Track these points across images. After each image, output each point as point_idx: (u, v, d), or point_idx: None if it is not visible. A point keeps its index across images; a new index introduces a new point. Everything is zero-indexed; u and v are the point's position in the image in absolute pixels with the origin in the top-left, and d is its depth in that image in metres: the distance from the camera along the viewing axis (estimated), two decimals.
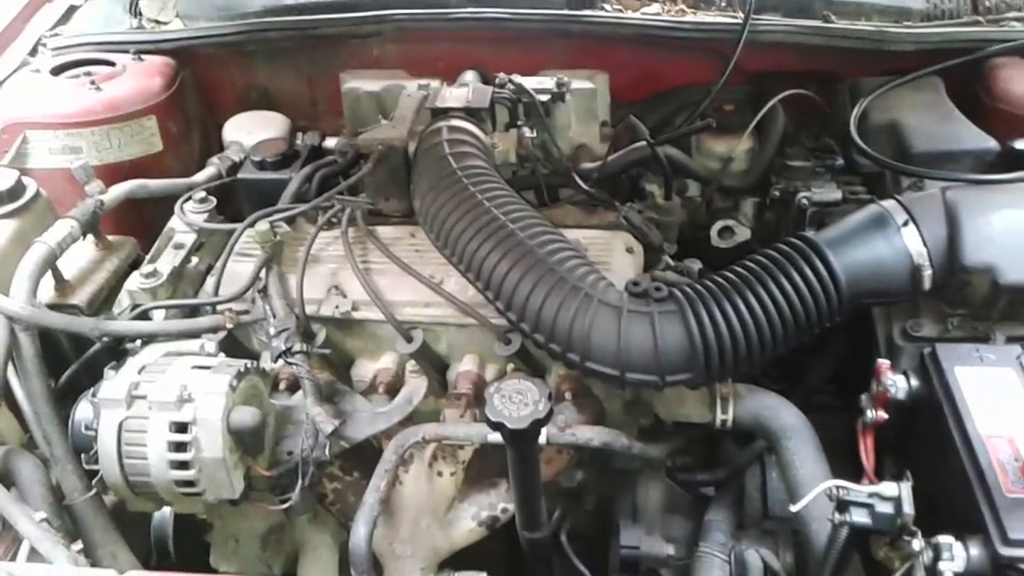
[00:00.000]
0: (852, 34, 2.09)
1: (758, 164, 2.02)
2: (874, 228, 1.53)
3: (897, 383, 1.48)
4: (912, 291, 1.53)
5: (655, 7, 2.21)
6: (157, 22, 2.35)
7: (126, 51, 2.21)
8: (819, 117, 2.10)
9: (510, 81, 1.96)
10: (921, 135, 1.86)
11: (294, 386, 1.64)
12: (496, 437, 1.39)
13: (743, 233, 2.04)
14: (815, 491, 1.34)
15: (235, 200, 2.05)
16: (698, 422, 1.63)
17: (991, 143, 1.83)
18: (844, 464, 1.53)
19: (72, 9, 2.44)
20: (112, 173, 1.95)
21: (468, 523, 1.66)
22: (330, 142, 2.11)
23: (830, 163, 1.98)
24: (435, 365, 1.69)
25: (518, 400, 1.33)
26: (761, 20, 2.09)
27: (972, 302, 1.57)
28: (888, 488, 1.29)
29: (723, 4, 2.21)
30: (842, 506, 1.31)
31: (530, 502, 1.52)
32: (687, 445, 1.74)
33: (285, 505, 1.50)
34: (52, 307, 1.66)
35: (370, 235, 1.79)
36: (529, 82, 1.96)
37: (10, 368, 1.58)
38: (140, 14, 2.38)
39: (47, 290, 1.71)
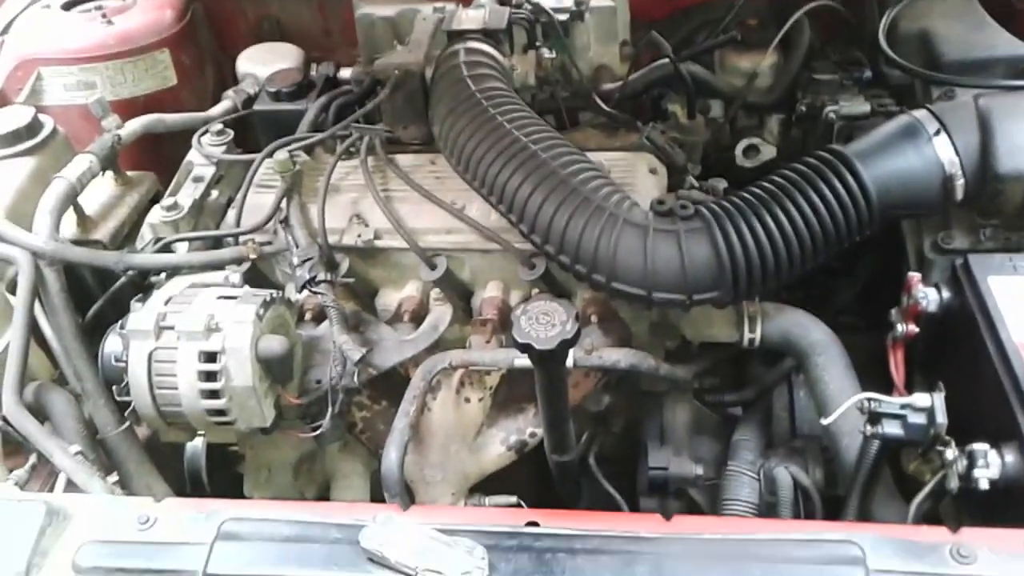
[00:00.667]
0: None
1: (783, 79, 1.97)
2: (905, 138, 1.50)
3: (929, 295, 1.46)
4: (944, 202, 1.50)
5: None
6: None
7: None
8: (845, 29, 2.04)
9: (527, 1, 1.91)
10: (953, 43, 1.80)
11: (319, 316, 1.64)
12: (523, 361, 1.38)
13: (768, 151, 2.00)
14: (847, 403, 1.33)
15: (251, 132, 2.03)
16: (725, 342, 1.62)
17: None
18: (872, 383, 1.52)
19: None
20: (127, 108, 1.94)
21: (497, 448, 1.66)
22: (345, 72, 2.08)
23: (858, 76, 1.93)
24: (459, 292, 1.68)
25: (545, 321, 1.31)
26: None
27: (1005, 211, 1.53)
28: (921, 399, 1.28)
29: None
30: (874, 418, 1.31)
31: (558, 425, 1.52)
32: (714, 366, 1.73)
33: (316, 432, 1.50)
34: (75, 242, 1.66)
35: (390, 163, 1.77)
36: (547, 1, 1.91)
37: (36, 305, 1.59)
38: None
39: (69, 226, 1.71)
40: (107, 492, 1.39)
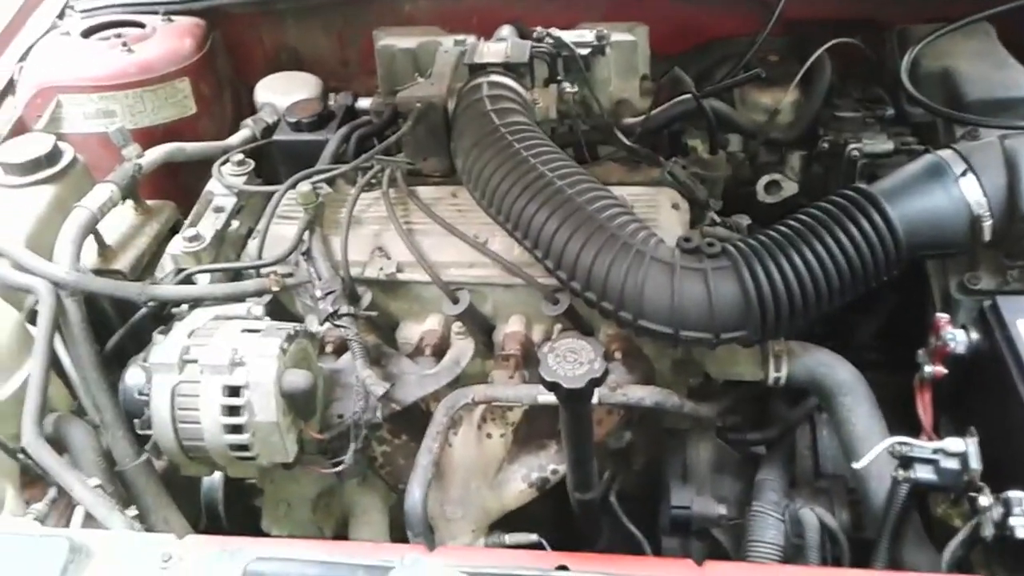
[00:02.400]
0: None
1: (805, 116, 1.97)
2: (931, 178, 1.49)
3: (957, 337, 1.45)
4: (971, 242, 1.49)
5: None
6: None
7: (155, 12, 2.19)
8: (866, 67, 2.04)
9: (548, 35, 1.91)
10: (975, 83, 1.80)
11: (340, 349, 1.63)
12: (547, 398, 1.37)
13: (790, 187, 1.99)
14: (878, 447, 1.32)
15: (269, 161, 2.02)
16: (750, 380, 1.60)
17: None
18: (895, 421, 1.51)
19: None
20: (147, 137, 1.94)
21: (518, 484, 1.65)
22: (363, 102, 2.08)
23: (880, 113, 1.93)
24: (481, 326, 1.67)
25: (572, 359, 1.30)
26: None
27: None
28: (953, 444, 1.27)
29: None
30: (906, 463, 1.30)
31: (583, 463, 1.50)
32: (737, 404, 1.72)
33: (338, 468, 1.49)
34: (96, 272, 1.65)
35: (412, 195, 1.77)
36: (568, 35, 1.91)
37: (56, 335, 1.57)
38: None
39: (90, 255, 1.70)
40: (127, 527, 1.37)
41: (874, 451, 1.33)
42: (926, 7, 2.02)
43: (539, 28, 1.93)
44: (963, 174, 1.48)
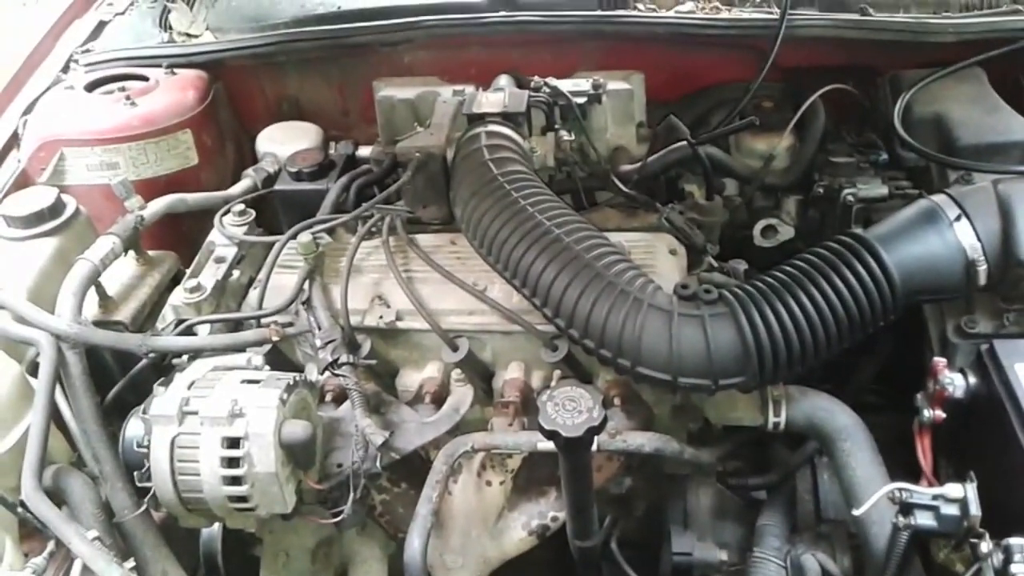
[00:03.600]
0: (892, 26, 2.06)
1: (800, 161, 1.99)
2: (926, 223, 1.50)
3: (955, 381, 1.46)
4: (967, 287, 1.50)
5: (689, 5, 2.19)
6: (187, 35, 2.35)
7: (158, 65, 2.21)
8: (859, 112, 2.07)
9: (545, 84, 1.94)
10: (968, 127, 1.82)
11: (340, 398, 1.64)
12: (547, 445, 1.37)
13: (787, 232, 2.01)
14: (878, 494, 1.32)
15: (270, 210, 2.04)
16: (749, 425, 1.60)
17: None
18: (895, 464, 1.51)
19: (102, 25, 2.44)
20: (149, 188, 1.95)
21: (518, 532, 1.64)
22: (363, 151, 2.11)
23: (874, 158, 1.95)
24: (480, 373, 1.68)
25: (571, 407, 1.31)
26: (798, 15, 2.06)
27: None
28: (953, 490, 1.27)
29: (758, 0, 2.18)
30: (906, 509, 1.29)
31: (583, 510, 1.50)
32: (737, 449, 1.72)
33: (337, 518, 1.49)
34: (97, 324, 1.66)
35: (411, 243, 1.78)
36: (565, 84, 1.94)
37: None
38: (170, 28, 2.38)
39: (91, 307, 1.71)
40: None
41: (874, 497, 1.33)
42: (917, 53, 2.05)
43: (536, 78, 1.96)
44: (957, 219, 1.49)
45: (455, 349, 1.64)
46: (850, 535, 1.59)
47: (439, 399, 1.66)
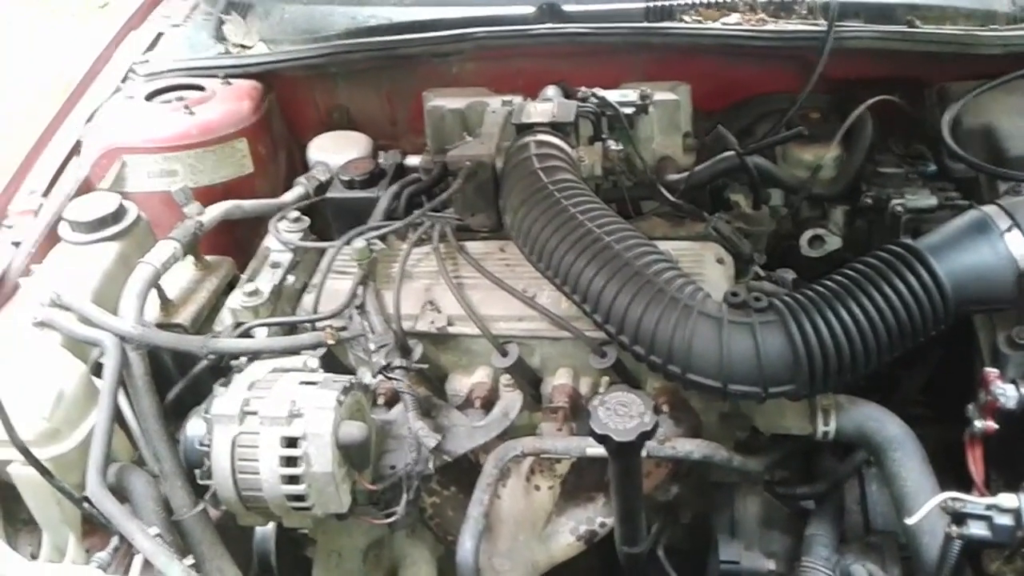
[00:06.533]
0: (940, 38, 2.06)
1: (847, 171, 1.99)
2: (976, 234, 1.50)
3: (1007, 392, 1.45)
4: (1018, 297, 1.49)
5: (735, 17, 2.20)
6: (242, 46, 2.41)
7: (215, 76, 2.26)
8: (906, 123, 2.07)
9: (593, 95, 1.96)
10: (1017, 139, 1.82)
11: (392, 401, 1.67)
12: (596, 450, 1.39)
13: (834, 242, 2.01)
14: (930, 503, 1.32)
15: (321, 217, 2.08)
16: (798, 434, 1.61)
17: None
18: (944, 475, 1.51)
19: (159, 36, 2.50)
20: (206, 195, 2.00)
21: (566, 537, 1.66)
22: (411, 160, 2.14)
23: (922, 169, 1.95)
24: (529, 379, 1.70)
25: (623, 412, 1.33)
26: (845, 27, 2.06)
27: None
28: (1007, 500, 1.27)
29: (804, 12, 2.19)
30: (959, 519, 1.29)
31: (632, 516, 1.52)
32: (785, 458, 1.72)
33: (391, 519, 1.51)
34: (158, 326, 1.70)
35: (461, 250, 1.81)
36: (612, 95, 1.96)
37: None
38: (225, 39, 2.43)
39: (152, 309, 1.75)
40: None
41: (927, 506, 1.33)
42: (965, 65, 2.05)
43: (583, 88, 1.98)
44: (1008, 229, 1.49)
45: (505, 354, 1.66)
46: (900, 546, 1.59)
47: (488, 404, 1.68)
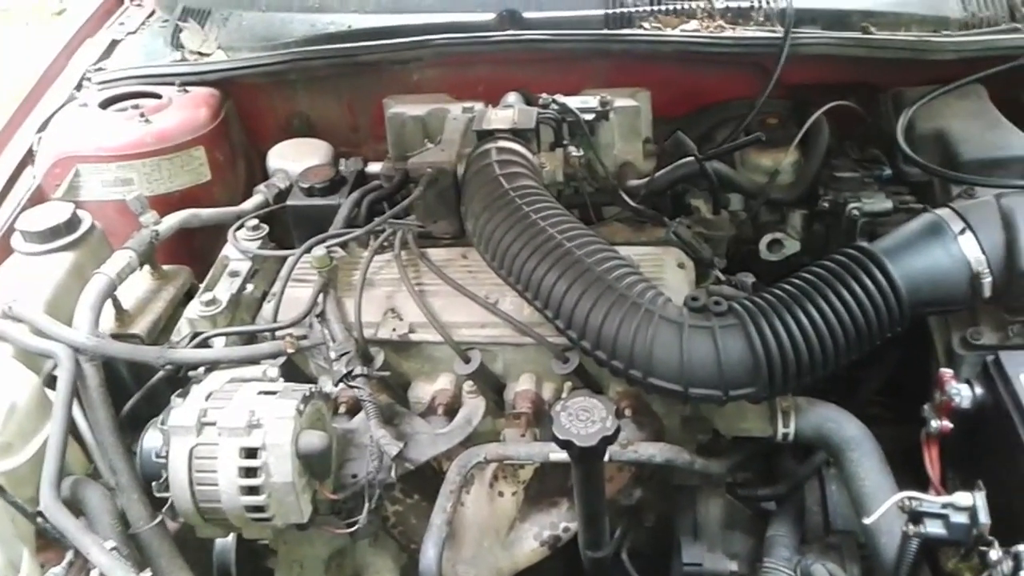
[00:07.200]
0: (894, 44, 2.09)
1: (805, 176, 2.02)
2: (930, 237, 1.52)
3: (962, 392, 1.48)
4: (972, 299, 1.52)
5: (693, 24, 2.22)
6: (199, 54, 2.38)
7: (171, 83, 2.24)
8: (862, 128, 2.10)
9: (553, 101, 1.97)
10: (969, 143, 1.85)
11: (353, 409, 1.66)
12: (559, 455, 1.39)
13: (792, 246, 2.04)
14: (888, 503, 1.34)
15: (281, 225, 2.07)
16: (759, 436, 1.62)
17: None
18: (903, 475, 1.53)
19: (114, 44, 2.47)
20: (163, 204, 1.97)
21: (530, 543, 1.66)
22: (373, 167, 2.13)
23: (878, 173, 1.98)
24: (492, 385, 1.70)
25: (584, 418, 1.33)
26: (801, 33, 2.09)
27: None
28: (962, 498, 1.29)
29: (761, 19, 2.22)
30: (915, 517, 1.31)
31: (595, 521, 1.52)
32: (746, 460, 1.73)
33: (352, 529, 1.50)
34: (114, 337, 1.68)
35: (423, 257, 1.81)
36: (573, 101, 1.97)
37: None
38: (182, 46, 2.40)
39: (107, 320, 1.73)
40: None
41: (884, 506, 1.35)
42: (918, 70, 2.08)
43: (544, 95, 1.99)
44: (962, 232, 1.51)
45: (467, 361, 1.66)
46: (859, 545, 1.61)
47: (451, 411, 1.68)
